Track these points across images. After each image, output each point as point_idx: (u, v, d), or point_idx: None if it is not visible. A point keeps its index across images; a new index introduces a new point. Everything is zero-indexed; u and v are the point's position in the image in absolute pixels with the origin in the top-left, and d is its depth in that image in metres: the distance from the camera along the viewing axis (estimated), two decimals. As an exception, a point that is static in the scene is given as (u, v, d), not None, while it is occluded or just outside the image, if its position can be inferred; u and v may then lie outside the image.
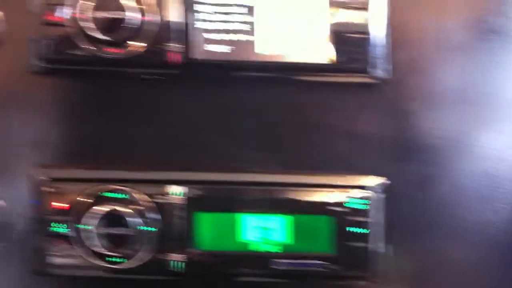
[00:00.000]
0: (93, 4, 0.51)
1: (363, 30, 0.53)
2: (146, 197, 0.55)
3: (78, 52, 0.53)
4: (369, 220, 0.55)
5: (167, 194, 0.56)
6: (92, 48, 0.53)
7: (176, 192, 0.56)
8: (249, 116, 0.58)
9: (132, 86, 0.57)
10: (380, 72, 0.55)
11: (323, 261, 0.55)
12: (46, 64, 0.54)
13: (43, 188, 0.56)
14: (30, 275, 0.58)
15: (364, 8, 0.54)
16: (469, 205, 0.58)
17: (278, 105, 0.57)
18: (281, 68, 0.55)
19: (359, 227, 0.55)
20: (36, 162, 0.57)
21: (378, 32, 0.54)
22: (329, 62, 0.54)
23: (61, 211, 0.55)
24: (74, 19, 0.52)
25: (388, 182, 0.57)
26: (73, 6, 0.52)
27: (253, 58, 0.54)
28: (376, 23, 0.54)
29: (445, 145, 0.58)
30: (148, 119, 0.58)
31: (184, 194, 0.56)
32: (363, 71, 0.54)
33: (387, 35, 0.55)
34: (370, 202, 0.56)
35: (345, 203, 0.55)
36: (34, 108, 0.58)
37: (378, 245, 0.56)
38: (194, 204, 0.56)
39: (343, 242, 0.55)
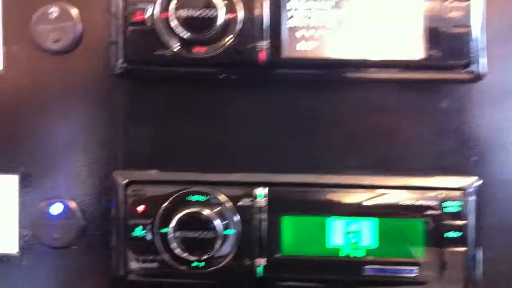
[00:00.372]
0: (179, 2, 0.50)
1: (463, 23, 0.50)
2: (227, 200, 0.54)
3: (163, 53, 0.51)
4: (463, 222, 0.53)
5: (249, 196, 0.54)
6: (178, 47, 0.51)
7: (258, 194, 0.54)
8: (341, 117, 0.56)
9: (216, 87, 0.56)
10: (478, 67, 0.52)
11: (414, 266, 0.53)
12: (128, 65, 0.53)
13: (123, 191, 0.55)
14: (107, 281, 0.57)
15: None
16: None
17: (372, 106, 0.55)
18: (374, 66, 0.52)
19: (453, 230, 0.52)
20: (114, 165, 0.56)
21: (476, 25, 0.51)
22: (425, 59, 0.51)
23: (142, 215, 0.54)
24: (158, 18, 0.51)
25: (482, 182, 0.54)
26: (157, 5, 0.51)
27: (342, 57, 0.52)
28: (474, 16, 0.51)
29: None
30: (230, 122, 0.56)
31: (265, 196, 0.54)
32: (465, 67, 0.51)
33: (484, 28, 0.52)
34: (464, 204, 0.53)
35: (438, 205, 0.53)
36: (112, 111, 0.57)
37: (472, 248, 0.53)
38: (276, 207, 0.54)
39: (436, 246, 0.53)
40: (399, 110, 0.55)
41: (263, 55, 0.51)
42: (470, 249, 0.53)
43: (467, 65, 0.52)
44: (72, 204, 0.57)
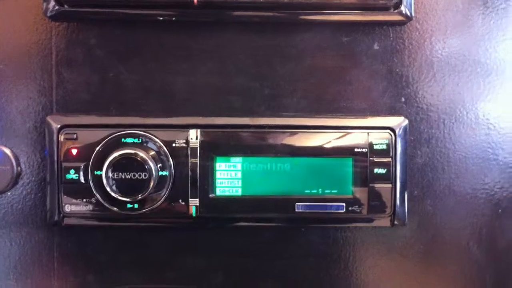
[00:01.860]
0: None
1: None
2: (161, 142, 0.54)
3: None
4: (388, 160, 0.54)
5: (183, 138, 0.54)
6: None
7: (191, 136, 0.55)
8: (276, 60, 0.57)
9: (152, 30, 0.56)
10: (407, 8, 0.54)
11: (343, 203, 0.55)
12: (62, 7, 0.53)
13: (58, 136, 0.55)
14: (44, 226, 0.57)
15: None
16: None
17: (306, 49, 0.57)
18: (309, 7, 0.54)
19: (379, 167, 0.54)
20: (49, 111, 0.56)
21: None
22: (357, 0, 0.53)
23: (76, 158, 0.54)
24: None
25: (408, 122, 0.56)
26: None
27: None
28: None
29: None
30: (165, 66, 0.57)
31: (198, 138, 0.55)
32: (395, 7, 0.53)
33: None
34: (390, 142, 0.55)
35: (366, 144, 0.54)
36: (46, 55, 0.56)
37: (397, 185, 0.55)
38: (208, 149, 0.55)
39: (363, 184, 0.54)
40: (332, 53, 0.57)
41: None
42: (395, 186, 0.54)
43: (397, 5, 0.53)
44: (7, 151, 0.56)
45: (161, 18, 0.55)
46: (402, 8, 0.54)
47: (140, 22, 0.56)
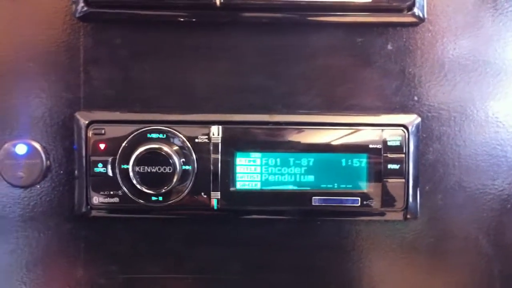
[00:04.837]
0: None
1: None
2: (184, 137, 0.57)
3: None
4: (401, 156, 0.57)
5: (205, 134, 0.57)
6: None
7: (213, 132, 0.57)
8: (292, 59, 0.59)
9: (175, 30, 0.59)
10: (420, 10, 0.56)
11: (358, 197, 0.57)
12: (89, 8, 0.56)
13: (86, 131, 0.57)
14: (71, 218, 0.60)
15: None
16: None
17: (321, 49, 0.59)
18: (324, 9, 0.56)
19: (392, 163, 0.57)
20: (76, 107, 0.59)
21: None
22: (372, 1, 0.55)
23: (103, 152, 0.57)
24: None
25: (421, 120, 0.58)
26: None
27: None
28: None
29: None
30: (188, 64, 0.59)
31: (219, 134, 0.57)
32: (408, 9, 0.56)
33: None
34: (403, 139, 0.57)
35: (380, 141, 0.57)
36: (74, 54, 0.59)
37: (410, 180, 0.57)
38: (229, 144, 0.57)
39: (377, 179, 0.57)
40: (346, 52, 0.59)
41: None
42: (408, 181, 0.57)
43: (410, 7, 0.56)
44: (37, 145, 0.59)
45: (182, 19, 0.57)
46: (415, 10, 0.56)
47: (162, 23, 0.59)
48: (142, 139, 0.57)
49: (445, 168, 0.59)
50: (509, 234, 0.61)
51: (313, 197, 0.57)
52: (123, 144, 0.56)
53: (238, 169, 0.57)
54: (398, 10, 0.56)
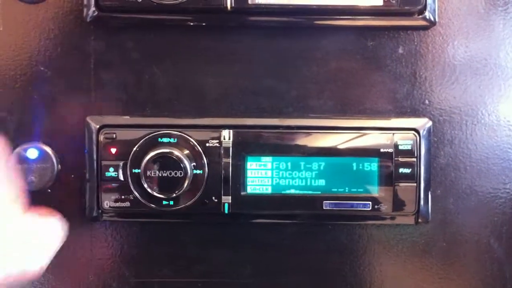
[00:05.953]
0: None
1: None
2: (195, 142, 0.57)
3: (133, -1, 0.54)
4: (413, 160, 0.57)
5: (216, 139, 0.57)
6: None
7: (224, 136, 0.57)
8: (303, 63, 0.59)
9: (186, 34, 0.59)
10: (431, 14, 0.56)
11: (369, 201, 0.57)
12: (100, 13, 0.56)
13: (97, 135, 0.57)
14: (82, 222, 0.60)
15: None
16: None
17: (333, 52, 0.59)
18: (335, 12, 0.56)
19: (404, 167, 0.57)
20: (87, 111, 0.59)
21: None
22: (383, 5, 0.55)
23: (115, 157, 0.57)
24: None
25: (431, 123, 0.58)
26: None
27: (304, 3, 0.55)
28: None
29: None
30: (199, 68, 0.59)
31: (230, 138, 0.57)
32: (419, 13, 0.56)
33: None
34: (414, 143, 0.57)
35: (391, 144, 0.57)
36: (85, 58, 0.59)
37: (421, 184, 0.57)
38: (240, 148, 0.57)
39: (389, 183, 0.57)
40: (358, 56, 0.59)
41: (230, 2, 0.55)
42: (419, 185, 0.57)
43: (421, 11, 0.56)
44: (48, 149, 0.59)
45: (192, 23, 0.57)
46: (426, 13, 0.56)
47: (174, 27, 0.59)
48: (153, 143, 0.57)
49: (456, 172, 0.59)
50: (520, 237, 0.61)
51: (324, 201, 0.57)
52: (134, 149, 0.56)
53: (249, 173, 0.57)
54: (409, 14, 0.56)
